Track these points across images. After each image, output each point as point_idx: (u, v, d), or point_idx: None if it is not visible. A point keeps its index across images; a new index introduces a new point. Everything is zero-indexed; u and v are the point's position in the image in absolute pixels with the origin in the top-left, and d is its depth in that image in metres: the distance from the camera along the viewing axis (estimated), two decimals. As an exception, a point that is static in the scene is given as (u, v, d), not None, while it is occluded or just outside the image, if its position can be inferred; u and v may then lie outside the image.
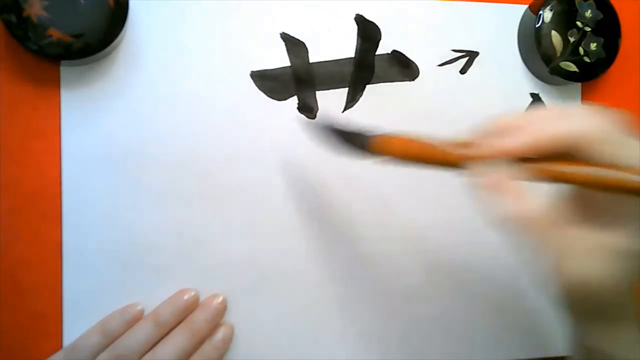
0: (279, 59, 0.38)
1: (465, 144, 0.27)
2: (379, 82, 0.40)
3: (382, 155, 0.30)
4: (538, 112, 0.28)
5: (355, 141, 0.32)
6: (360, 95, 0.40)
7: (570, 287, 0.26)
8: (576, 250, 0.25)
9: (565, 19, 0.41)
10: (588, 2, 0.41)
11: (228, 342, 0.37)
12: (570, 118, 0.26)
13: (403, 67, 0.40)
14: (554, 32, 0.41)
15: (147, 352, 0.34)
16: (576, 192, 0.28)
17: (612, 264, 0.25)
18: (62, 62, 0.35)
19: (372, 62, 0.40)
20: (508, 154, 0.26)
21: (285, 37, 0.39)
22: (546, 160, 0.26)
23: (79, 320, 0.35)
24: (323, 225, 0.39)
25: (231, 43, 0.38)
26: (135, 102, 0.36)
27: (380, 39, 0.40)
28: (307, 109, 0.39)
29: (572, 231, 0.26)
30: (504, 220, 0.26)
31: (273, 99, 0.38)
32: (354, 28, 0.40)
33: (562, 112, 0.26)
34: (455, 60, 0.41)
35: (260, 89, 0.38)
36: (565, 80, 0.41)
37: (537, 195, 0.26)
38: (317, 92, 0.39)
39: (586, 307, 0.27)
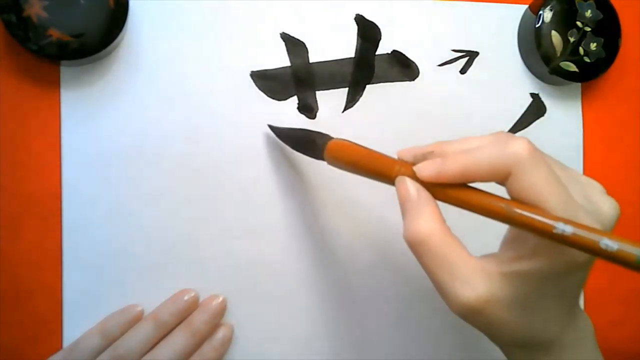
0: (279, 59, 0.38)
1: (405, 163, 0.27)
2: (379, 82, 0.40)
3: (333, 159, 0.31)
4: (477, 138, 0.27)
5: (309, 145, 0.34)
6: (360, 95, 0.40)
7: (460, 313, 0.25)
8: (456, 274, 0.25)
9: (565, 19, 0.41)
10: (588, 2, 0.41)
11: (228, 342, 0.37)
12: (504, 145, 0.25)
13: (403, 67, 0.40)
14: (554, 32, 0.41)
15: (147, 352, 0.34)
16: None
17: (495, 288, 0.24)
18: (62, 62, 0.35)
19: (372, 62, 0.40)
20: (442, 177, 0.25)
21: (285, 37, 0.39)
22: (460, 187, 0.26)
23: (79, 321, 0.35)
24: (323, 225, 0.39)
25: (231, 43, 0.38)
26: (135, 102, 0.36)
27: (380, 39, 0.40)
28: (307, 109, 0.39)
29: (459, 254, 0.25)
30: (403, 238, 0.26)
31: (273, 99, 0.38)
32: (354, 28, 0.40)
33: (499, 139, 0.26)
34: (455, 60, 0.41)
35: (260, 89, 0.38)
36: (565, 80, 0.41)
37: (432, 217, 0.25)
38: (317, 92, 0.39)
39: (496, 337, 0.27)
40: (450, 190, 0.26)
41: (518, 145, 0.24)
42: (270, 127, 0.37)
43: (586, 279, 0.26)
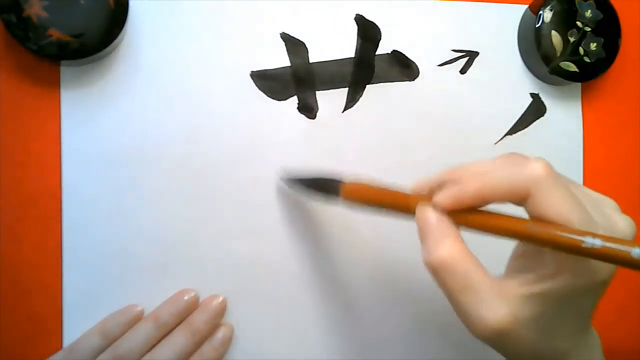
0: (279, 59, 0.38)
1: (423, 195, 0.28)
2: (379, 82, 0.40)
3: (348, 201, 0.31)
4: (491, 161, 0.27)
5: (323, 189, 0.34)
6: (360, 95, 0.40)
7: (484, 336, 0.25)
8: (479, 298, 0.25)
9: (565, 19, 0.41)
10: (588, 2, 0.41)
11: (228, 342, 0.37)
12: (521, 166, 0.25)
13: (403, 67, 0.40)
14: (554, 32, 0.41)
15: (147, 352, 0.34)
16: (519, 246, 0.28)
17: (520, 310, 0.25)
18: (62, 62, 0.35)
19: (372, 62, 0.40)
20: (462, 203, 0.26)
21: (285, 37, 0.39)
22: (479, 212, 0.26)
23: (79, 321, 0.35)
24: (323, 225, 0.39)
25: (231, 43, 0.38)
26: (135, 102, 0.36)
27: (380, 39, 0.40)
28: (307, 109, 0.39)
29: (481, 278, 0.25)
30: (424, 264, 0.26)
31: (273, 99, 0.38)
32: (354, 28, 0.40)
33: (514, 161, 0.26)
34: (455, 60, 0.41)
35: (260, 89, 0.38)
36: (565, 80, 0.41)
37: (453, 241, 0.25)
38: (317, 92, 0.39)
39: (515, 358, 0.27)
40: (470, 215, 0.26)
41: (536, 166, 0.25)
42: (282, 179, 0.38)
43: (603, 295, 0.26)
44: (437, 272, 0.25)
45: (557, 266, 0.25)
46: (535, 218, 0.25)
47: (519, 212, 0.25)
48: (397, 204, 0.28)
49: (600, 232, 0.24)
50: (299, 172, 0.37)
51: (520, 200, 0.25)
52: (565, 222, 0.24)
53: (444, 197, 0.26)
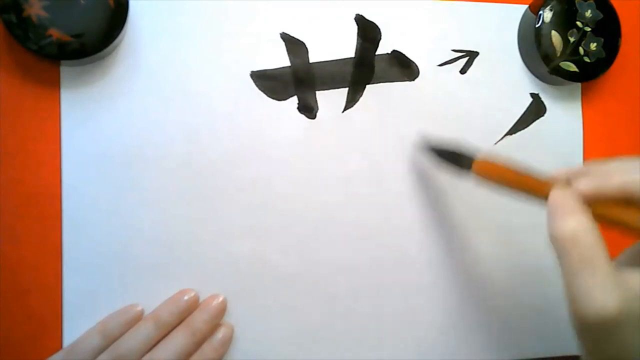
0: (279, 59, 0.38)
1: (561, 181, 0.29)
2: (379, 82, 0.40)
3: (481, 177, 0.33)
4: (631, 160, 0.28)
5: (456, 161, 0.35)
6: (360, 95, 0.40)
7: (583, 321, 0.25)
8: (597, 277, 0.24)
9: (565, 19, 0.41)
10: (588, 2, 0.41)
11: (228, 342, 0.37)
12: None
13: (403, 67, 0.40)
14: (554, 32, 0.41)
15: (147, 352, 0.34)
16: None
17: (630, 304, 0.24)
18: (62, 62, 0.35)
19: (372, 62, 0.40)
20: (602, 193, 0.26)
21: (285, 37, 0.39)
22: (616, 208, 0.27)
23: (79, 321, 0.35)
24: (323, 225, 0.39)
25: (231, 43, 0.38)
26: (135, 102, 0.36)
27: (380, 39, 0.40)
28: (307, 109, 0.39)
29: (605, 260, 0.25)
30: (550, 237, 0.26)
31: (273, 99, 0.38)
32: (354, 28, 0.40)
33: None
34: (455, 60, 0.41)
35: (260, 89, 0.38)
36: (565, 80, 0.41)
37: (585, 216, 0.26)
38: (317, 92, 0.39)
39: (601, 350, 0.26)
40: (607, 207, 0.27)
41: None
42: (419, 144, 0.38)
43: None
44: (563, 242, 0.25)
45: None
46: None
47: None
48: (533, 186, 0.29)
49: None
50: (435, 141, 0.38)
51: None
52: None
53: (585, 184, 0.27)
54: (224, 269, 0.37)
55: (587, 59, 0.41)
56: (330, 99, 0.39)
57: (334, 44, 0.39)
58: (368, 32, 0.40)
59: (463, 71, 0.41)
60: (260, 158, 0.38)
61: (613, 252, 0.27)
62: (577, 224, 0.25)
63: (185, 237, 0.37)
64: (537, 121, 0.43)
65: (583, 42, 0.41)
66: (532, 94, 0.43)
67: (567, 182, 0.28)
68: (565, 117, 0.43)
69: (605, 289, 0.24)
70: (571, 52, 0.41)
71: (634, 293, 0.24)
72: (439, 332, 0.41)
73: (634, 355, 0.25)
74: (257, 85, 0.38)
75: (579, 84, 0.43)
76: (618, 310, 0.24)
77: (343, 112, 0.40)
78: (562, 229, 0.26)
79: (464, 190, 0.40)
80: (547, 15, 0.41)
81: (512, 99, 0.42)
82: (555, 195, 0.27)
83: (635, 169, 0.26)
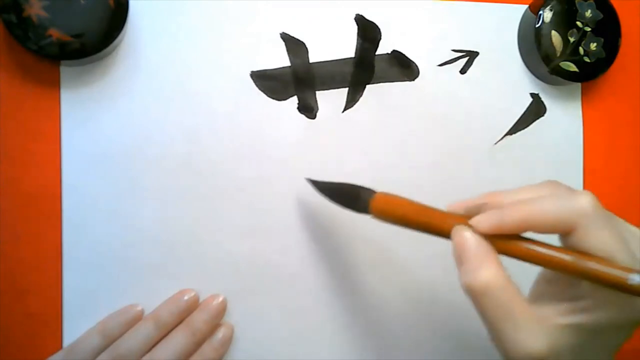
0: (279, 59, 0.38)
1: (459, 216, 0.27)
2: (379, 82, 0.40)
3: (379, 214, 0.30)
4: (533, 188, 0.27)
5: (349, 200, 0.33)
6: (360, 95, 0.40)
7: None
8: (519, 325, 0.25)
9: (565, 19, 0.41)
10: (588, 2, 0.41)
11: (228, 342, 0.37)
12: (569, 198, 0.25)
13: (403, 67, 0.40)
14: (554, 32, 0.41)
15: (147, 352, 0.34)
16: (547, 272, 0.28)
17: (557, 339, 0.25)
18: (62, 62, 0.35)
19: (372, 62, 0.40)
20: (502, 228, 0.26)
21: (285, 37, 0.39)
22: (521, 239, 0.26)
23: (78, 321, 0.35)
24: (323, 225, 0.39)
25: (231, 43, 0.38)
26: (135, 102, 0.36)
27: (380, 39, 0.40)
28: (307, 109, 0.39)
29: (521, 305, 0.25)
30: (462, 287, 0.26)
31: (273, 99, 0.38)
32: (354, 28, 0.40)
33: (559, 192, 0.26)
34: (455, 60, 0.41)
35: (260, 89, 0.38)
36: (565, 80, 0.41)
37: (496, 266, 0.25)
38: (317, 92, 0.39)
39: None
40: (510, 241, 0.26)
41: (584, 200, 0.25)
42: (311, 181, 0.36)
43: (635, 330, 0.27)
44: (477, 296, 0.25)
45: (596, 299, 0.25)
46: (576, 250, 0.25)
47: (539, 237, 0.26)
48: (431, 223, 0.28)
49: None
50: (326, 180, 0.36)
51: (564, 232, 0.25)
52: (610, 258, 0.24)
53: (485, 221, 0.26)
54: (224, 269, 0.37)
55: (587, 59, 0.41)
56: (330, 99, 0.39)
57: (334, 44, 0.39)
58: (368, 32, 0.40)
59: (463, 71, 0.41)
60: (260, 158, 0.38)
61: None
62: (489, 277, 0.25)
63: (185, 237, 0.37)
64: (537, 121, 0.43)
65: (583, 42, 0.41)
66: (532, 94, 0.43)
67: (466, 216, 0.27)
68: (565, 117, 0.43)
69: (530, 335, 0.24)
70: (571, 52, 0.41)
71: (554, 329, 0.25)
72: (439, 333, 0.41)
73: None
74: (257, 85, 0.38)
75: (579, 84, 0.43)
76: (547, 349, 0.24)
77: (343, 112, 0.40)
78: (474, 282, 0.25)
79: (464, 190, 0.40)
80: (547, 15, 0.41)
81: (512, 99, 0.42)
82: (458, 237, 0.26)
83: (533, 200, 0.26)
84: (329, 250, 0.39)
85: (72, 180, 0.35)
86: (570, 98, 0.43)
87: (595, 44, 0.41)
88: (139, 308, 0.36)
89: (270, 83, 0.38)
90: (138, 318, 0.35)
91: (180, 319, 0.36)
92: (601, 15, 0.41)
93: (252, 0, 0.38)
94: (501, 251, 0.26)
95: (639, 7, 0.45)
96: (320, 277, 0.39)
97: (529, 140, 0.42)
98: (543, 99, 0.43)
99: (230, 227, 0.37)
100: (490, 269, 0.25)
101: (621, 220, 0.27)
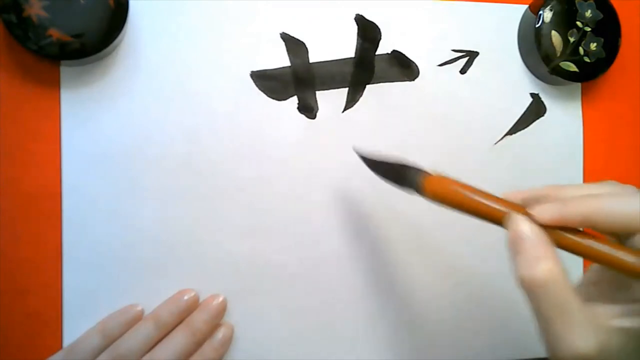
0: (279, 59, 0.38)
1: (516, 205, 0.27)
2: (379, 82, 0.40)
3: (432, 196, 0.29)
4: (598, 186, 0.27)
5: (402, 178, 0.32)
6: (360, 95, 0.40)
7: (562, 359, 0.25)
8: (572, 322, 0.24)
9: (565, 19, 0.41)
10: (588, 2, 0.41)
11: (228, 342, 0.37)
12: (637, 198, 0.25)
13: (403, 67, 0.40)
14: (554, 32, 0.41)
15: (147, 352, 0.34)
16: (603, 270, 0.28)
17: (607, 341, 0.24)
18: (62, 62, 0.35)
19: (372, 62, 0.40)
20: (564, 221, 0.25)
21: (285, 37, 0.39)
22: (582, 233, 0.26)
23: (79, 321, 0.35)
24: (323, 225, 0.39)
25: (231, 43, 0.38)
26: (135, 102, 0.36)
27: (380, 39, 0.40)
28: (307, 109, 0.39)
29: (576, 303, 0.25)
30: (518, 279, 0.25)
31: (273, 99, 0.38)
32: (354, 28, 0.40)
33: (625, 191, 0.26)
34: (455, 60, 0.41)
35: (260, 89, 0.38)
36: (565, 80, 0.41)
37: (555, 260, 0.25)
38: (317, 92, 0.39)
39: None
40: (570, 236, 0.25)
41: None
42: (361, 156, 0.35)
43: None
44: (533, 290, 0.25)
45: None
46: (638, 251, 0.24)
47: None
48: (488, 208, 0.27)
49: None
50: (380, 156, 0.35)
51: (627, 233, 0.25)
52: None
53: (546, 212, 0.25)
54: (224, 269, 0.37)
55: (587, 59, 0.41)
56: (330, 99, 0.39)
57: (334, 44, 0.39)
58: (368, 32, 0.40)
59: (463, 71, 0.41)
60: (260, 158, 0.38)
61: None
62: (548, 271, 0.25)
63: (185, 237, 0.37)
64: (537, 121, 0.43)
65: (583, 42, 0.41)
66: (532, 94, 0.43)
67: (522, 206, 0.27)
68: (565, 117, 0.43)
69: (582, 333, 0.24)
70: (571, 52, 0.41)
71: (607, 330, 0.25)
72: (440, 333, 0.41)
73: None
74: (257, 85, 0.38)
75: (579, 84, 0.43)
76: (596, 350, 0.24)
77: (343, 112, 0.40)
78: (532, 275, 0.25)
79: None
80: (547, 15, 0.41)
81: (512, 99, 0.42)
82: (516, 227, 0.26)
83: (595, 197, 0.25)
84: (329, 250, 0.39)
85: (72, 180, 0.35)
86: (570, 98, 0.43)
87: (595, 44, 0.41)
88: (139, 308, 0.36)
89: (270, 83, 0.38)
90: (138, 318, 0.35)
91: (180, 319, 0.36)
92: (601, 15, 0.41)
93: (252, 0, 0.38)
94: (558, 245, 0.26)
95: (639, 7, 0.45)
96: (321, 277, 0.39)
97: (529, 140, 0.42)
98: (543, 99, 0.43)
99: (230, 227, 0.37)
100: (549, 262, 0.25)
101: None
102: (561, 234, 0.26)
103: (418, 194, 0.30)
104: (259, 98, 0.38)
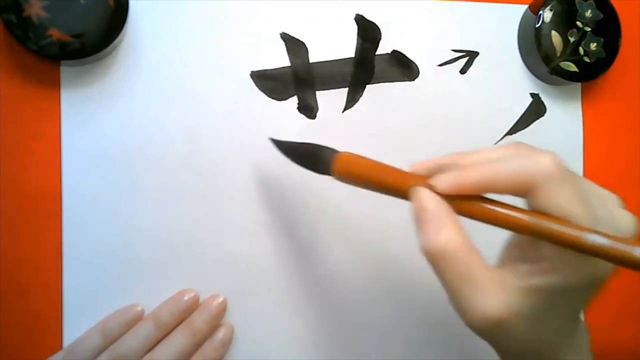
0: (279, 59, 0.38)
1: (420, 176, 0.26)
2: (379, 82, 0.40)
3: (340, 174, 0.29)
4: (497, 149, 0.26)
5: (313, 159, 0.32)
6: (360, 95, 0.40)
7: (478, 326, 0.25)
8: (478, 288, 0.24)
9: (565, 19, 0.41)
10: (588, 2, 0.41)
11: (228, 342, 0.37)
12: (530, 157, 0.25)
13: (403, 67, 0.40)
14: (554, 32, 0.41)
15: (147, 352, 0.34)
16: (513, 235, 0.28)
17: (518, 302, 0.24)
18: (62, 62, 0.35)
19: (372, 62, 0.40)
20: (462, 189, 0.25)
21: (285, 37, 0.39)
22: (482, 199, 0.25)
23: (78, 321, 0.35)
24: (323, 225, 0.39)
25: (231, 43, 0.38)
26: (135, 102, 0.36)
27: (380, 39, 0.40)
28: (307, 109, 0.39)
29: (480, 267, 0.25)
30: (421, 250, 0.25)
31: (273, 99, 0.38)
32: (354, 28, 0.40)
33: (521, 152, 0.26)
34: (455, 60, 0.41)
35: (260, 89, 0.38)
36: (565, 80, 0.41)
37: (455, 228, 0.25)
38: (317, 92, 0.39)
39: (505, 349, 0.26)
40: (469, 202, 0.25)
41: (546, 159, 0.24)
42: (273, 140, 0.36)
43: (599, 292, 0.26)
44: (436, 260, 0.25)
45: (556, 261, 0.24)
46: (537, 211, 0.24)
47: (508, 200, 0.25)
48: (392, 181, 0.27)
49: (604, 228, 0.24)
50: (291, 140, 0.36)
51: (524, 192, 0.24)
52: (569, 218, 0.23)
53: (444, 181, 0.25)
54: (224, 269, 0.37)
55: (587, 59, 0.41)
56: (330, 99, 0.39)
57: (334, 44, 0.39)
58: (368, 32, 0.40)
59: (463, 71, 0.41)
60: (260, 158, 0.38)
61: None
62: (447, 240, 0.24)
63: (185, 237, 0.37)
64: (537, 121, 0.43)
65: (583, 42, 0.41)
66: (532, 94, 0.43)
67: (427, 177, 0.26)
68: (565, 117, 0.43)
69: (489, 298, 0.24)
70: (571, 52, 0.41)
71: (514, 291, 0.24)
72: (441, 333, 0.41)
73: (522, 346, 0.25)
74: (257, 85, 0.38)
75: (579, 84, 0.43)
76: (507, 312, 0.24)
77: (343, 112, 0.40)
78: (432, 245, 0.24)
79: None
80: (547, 15, 0.41)
81: (512, 99, 0.42)
82: (417, 198, 0.25)
83: (494, 160, 0.25)
84: (330, 250, 0.39)
85: (72, 180, 0.35)
86: (570, 98, 0.43)
87: (595, 44, 0.41)
88: (139, 308, 0.36)
89: (270, 83, 0.38)
90: (138, 318, 0.35)
91: (181, 319, 0.36)
92: (601, 15, 0.41)
93: (252, 0, 0.38)
94: (461, 212, 0.25)
95: (639, 7, 0.45)
96: (320, 277, 0.39)
97: (529, 140, 0.42)
98: (543, 99, 0.43)
99: (230, 227, 0.37)
100: (448, 232, 0.24)
101: (586, 180, 0.27)
102: (463, 202, 0.25)
103: (330, 176, 0.30)
104: (259, 98, 0.38)
